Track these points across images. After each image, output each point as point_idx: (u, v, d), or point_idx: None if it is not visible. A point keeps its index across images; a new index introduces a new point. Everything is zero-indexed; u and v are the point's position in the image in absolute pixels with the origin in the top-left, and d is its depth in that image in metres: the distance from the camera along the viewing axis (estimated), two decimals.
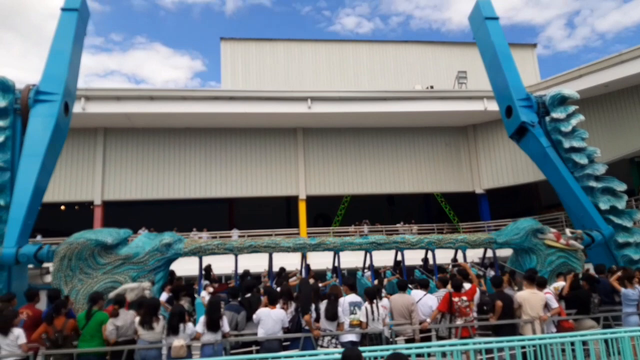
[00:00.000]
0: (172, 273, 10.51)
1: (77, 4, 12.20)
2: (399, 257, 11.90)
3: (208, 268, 12.05)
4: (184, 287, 10.02)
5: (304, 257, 11.50)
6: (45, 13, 72.01)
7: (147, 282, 8.90)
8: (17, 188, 10.02)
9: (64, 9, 12.13)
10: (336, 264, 11.41)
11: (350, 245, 10.93)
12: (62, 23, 12.01)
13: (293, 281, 10.44)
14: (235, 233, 22.07)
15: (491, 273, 11.91)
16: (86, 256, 9.20)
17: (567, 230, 11.55)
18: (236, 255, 10.62)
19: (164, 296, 9.32)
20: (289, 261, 14.37)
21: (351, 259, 14.01)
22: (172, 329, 6.74)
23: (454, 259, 12.99)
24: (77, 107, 18.68)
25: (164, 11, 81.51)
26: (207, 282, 10.93)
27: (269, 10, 79.80)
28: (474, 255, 13.66)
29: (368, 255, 11.64)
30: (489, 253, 12.50)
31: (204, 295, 9.35)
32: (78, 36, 12.16)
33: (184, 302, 9.15)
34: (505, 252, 13.20)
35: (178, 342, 6.59)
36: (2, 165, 11.05)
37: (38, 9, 71.00)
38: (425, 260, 13.37)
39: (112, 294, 8.09)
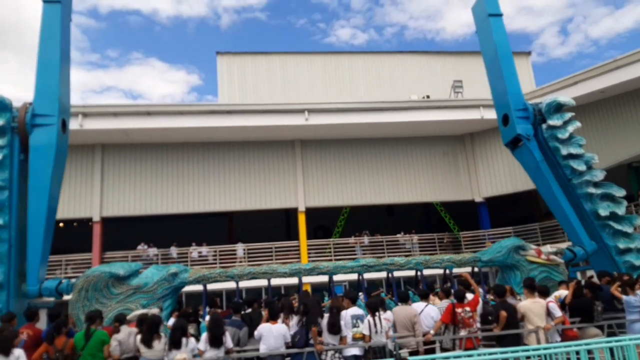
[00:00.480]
0: (180, 303, 11.12)
1: None
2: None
3: (213, 300, 12.50)
4: (191, 314, 10.59)
5: (300, 281, 11.79)
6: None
7: (155, 309, 9.32)
8: (30, 223, 10.50)
9: (46, 1, 11.29)
10: (332, 285, 11.97)
11: (343, 268, 11.44)
12: (46, 20, 11.28)
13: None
14: (240, 247, 21.98)
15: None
16: (101, 287, 10.05)
17: (548, 246, 11.77)
18: (237, 282, 11.24)
19: (171, 321, 9.70)
20: (288, 281, 14.22)
21: (348, 277, 13.97)
22: (174, 344, 6.68)
23: (445, 279, 12.87)
24: (75, 124, 18.70)
25: (159, 26, 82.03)
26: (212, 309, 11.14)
27: (264, 24, 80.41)
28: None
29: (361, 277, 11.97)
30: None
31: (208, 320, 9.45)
32: (64, 33, 11.51)
33: (191, 328, 9.29)
34: None
35: (180, 355, 6.53)
36: (1, 184, 11.03)
37: (33, 26, 71.26)
38: (417, 280, 13.33)
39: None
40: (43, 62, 11.17)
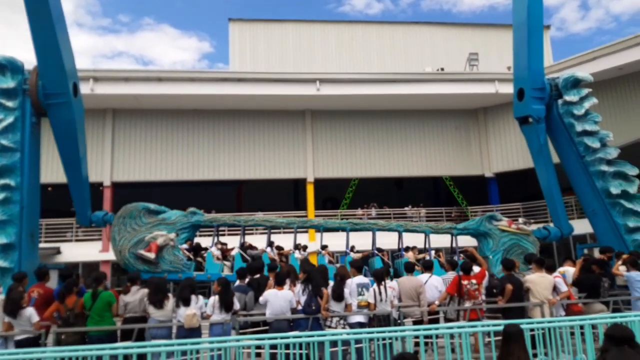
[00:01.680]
0: (199, 244, 13.49)
1: None
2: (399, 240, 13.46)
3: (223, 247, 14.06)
4: (201, 247, 13.29)
5: (295, 233, 13.43)
6: None
7: (173, 234, 12.16)
8: (72, 184, 12.67)
9: None
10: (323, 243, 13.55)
11: (332, 224, 13.37)
12: None
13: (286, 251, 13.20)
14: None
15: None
16: (135, 216, 12.42)
17: (520, 219, 12.29)
18: (243, 228, 13.35)
19: (184, 246, 12.63)
20: (287, 242, 14.56)
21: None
22: (184, 301, 6.82)
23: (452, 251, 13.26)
24: (86, 89, 18.68)
25: None
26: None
27: None
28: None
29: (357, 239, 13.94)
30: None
31: (214, 250, 12.65)
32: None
33: (200, 259, 12.63)
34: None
35: (190, 311, 6.66)
36: (13, 146, 11.13)
37: None
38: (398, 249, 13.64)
39: (148, 237, 11.93)
40: (39, 39, 10.61)
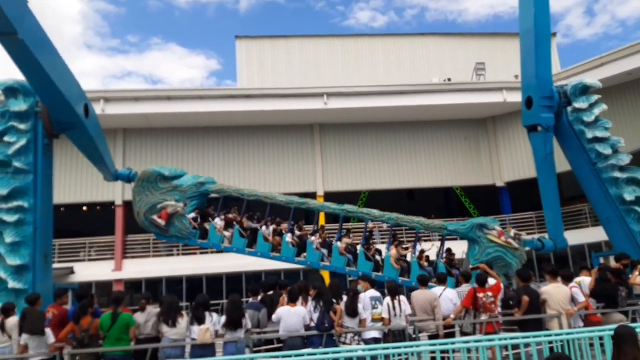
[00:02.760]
0: (207, 212, 14.29)
1: None
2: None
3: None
4: (210, 214, 14.04)
5: (293, 211, 13.72)
6: (61, 15, 73.10)
7: (181, 203, 12.94)
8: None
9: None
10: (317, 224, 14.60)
11: (327, 208, 13.54)
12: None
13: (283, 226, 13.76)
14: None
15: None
16: (152, 180, 13.18)
17: (512, 231, 12.06)
18: (245, 201, 13.94)
19: (191, 215, 13.32)
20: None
21: None
22: (198, 319, 6.81)
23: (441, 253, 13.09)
24: (97, 109, 18.78)
25: (178, 11, 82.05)
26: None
27: (283, 7, 79.78)
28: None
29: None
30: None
31: (217, 221, 13.39)
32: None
33: (206, 224, 13.44)
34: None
35: (203, 326, 6.65)
36: (25, 168, 11.24)
37: (54, 12, 72.07)
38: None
39: (160, 205, 12.79)
40: (32, 80, 10.06)
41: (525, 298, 7.47)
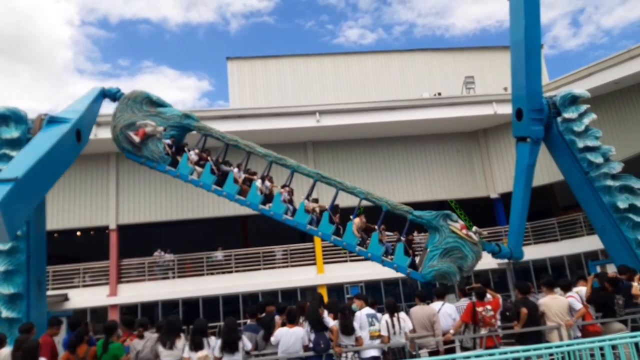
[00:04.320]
0: (183, 146, 13.75)
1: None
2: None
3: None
4: (184, 147, 13.66)
5: (269, 164, 13.92)
6: (52, 41, 73.42)
7: (161, 127, 12.87)
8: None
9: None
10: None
11: (303, 169, 13.57)
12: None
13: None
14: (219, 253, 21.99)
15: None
16: (138, 101, 13.18)
17: (474, 228, 12.21)
18: (226, 145, 13.74)
19: (168, 141, 13.18)
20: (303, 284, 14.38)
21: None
22: (196, 345, 6.71)
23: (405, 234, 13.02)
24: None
25: (169, 34, 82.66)
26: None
27: (273, 27, 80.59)
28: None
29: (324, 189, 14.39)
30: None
31: (191, 153, 13.25)
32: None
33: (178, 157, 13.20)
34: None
35: (202, 353, 6.56)
36: None
37: (44, 38, 72.40)
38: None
39: (140, 122, 12.76)
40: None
41: (524, 310, 7.43)
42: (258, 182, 12.86)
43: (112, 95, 13.56)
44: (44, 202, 12.17)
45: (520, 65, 12.69)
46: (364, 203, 13.16)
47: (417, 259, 11.94)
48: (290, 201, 13.07)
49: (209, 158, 13.58)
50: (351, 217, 12.88)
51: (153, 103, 13.40)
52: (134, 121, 12.87)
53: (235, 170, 13.33)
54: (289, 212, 12.88)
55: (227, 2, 79.60)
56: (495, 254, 12.87)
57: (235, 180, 13.00)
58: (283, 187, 13.47)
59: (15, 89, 74.21)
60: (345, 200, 14.57)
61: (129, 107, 13.17)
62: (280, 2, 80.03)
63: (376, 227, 12.57)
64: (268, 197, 13.01)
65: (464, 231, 11.56)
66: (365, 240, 12.32)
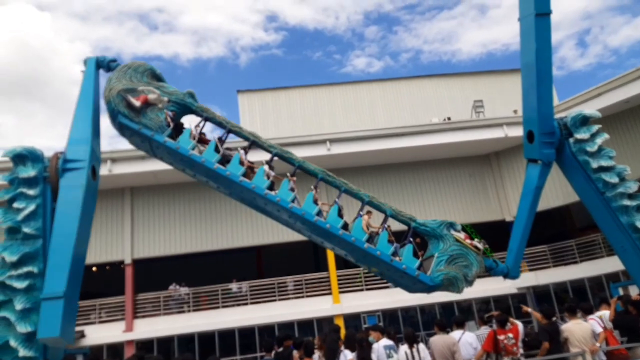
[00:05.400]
0: (180, 124, 12.71)
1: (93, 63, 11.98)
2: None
3: None
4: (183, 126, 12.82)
5: (273, 155, 12.37)
6: (67, 80, 75.25)
7: (165, 98, 11.67)
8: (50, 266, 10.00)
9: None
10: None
11: (308, 166, 12.11)
12: (86, 77, 11.80)
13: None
14: (234, 285, 21.94)
15: None
16: (140, 72, 12.03)
17: (476, 239, 11.97)
18: (227, 129, 12.15)
19: (170, 112, 11.91)
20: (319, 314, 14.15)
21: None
22: None
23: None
24: (104, 169, 19.15)
25: (180, 69, 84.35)
26: None
27: (281, 59, 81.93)
28: None
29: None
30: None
31: (193, 129, 11.88)
32: (97, 88, 12.07)
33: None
34: None
35: None
36: (35, 233, 11.24)
37: (60, 78, 74.29)
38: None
39: (142, 87, 11.44)
40: (78, 115, 11.37)
41: (545, 345, 7.31)
42: (265, 167, 12.07)
43: (106, 64, 12.43)
44: None
45: (531, 88, 12.62)
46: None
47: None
48: (292, 189, 12.37)
49: (215, 140, 12.33)
50: (360, 212, 12.63)
51: (155, 77, 12.44)
52: (135, 88, 11.79)
53: (242, 152, 12.28)
54: (297, 201, 12.06)
55: (236, 36, 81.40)
56: (490, 270, 12.71)
57: (242, 162, 11.74)
58: (292, 175, 12.76)
59: (31, 128, 75.89)
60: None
61: (128, 75, 12.17)
62: (288, 34, 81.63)
63: (381, 227, 12.25)
64: (272, 187, 12.09)
65: (468, 241, 11.57)
66: (373, 237, 12.08)
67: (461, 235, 12.01)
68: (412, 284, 11.33)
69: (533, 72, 12.47)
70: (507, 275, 12.56)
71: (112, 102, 11.32)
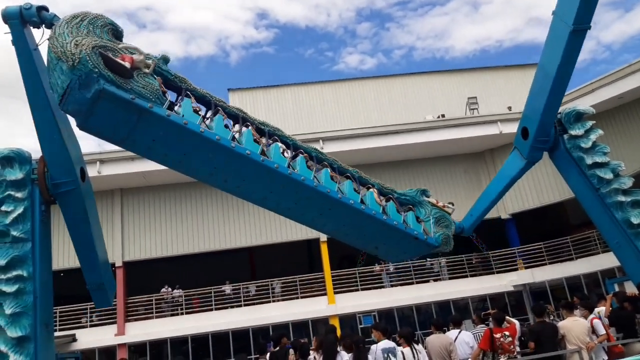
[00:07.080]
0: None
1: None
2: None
3: None
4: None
5: (267, 133, 11.36)
6: None
7: (151, 61, 8.50)
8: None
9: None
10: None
11: (301, 146, 10.03)
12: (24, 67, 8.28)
13: None
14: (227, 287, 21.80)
15: None
16: (99, 26, 8.91)
17: (441, 203, 12.24)
18: (214, 104, 9.42)
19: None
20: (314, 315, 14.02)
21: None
22: None
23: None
24: (93, 171, 18.92)
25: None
26: None
27: (273, 57, 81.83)
28: None
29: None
30: None
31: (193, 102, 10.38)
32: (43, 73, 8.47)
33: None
34: None
35: None
36: (23, 237, 11.02)
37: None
38: None
39: (124, 45, 8.44)
40: (40, 125, 9.15)
41: (531, 345, 7.30)
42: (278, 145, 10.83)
43: (37, 16, 8.24)
44: (49, 242, 12.08)
45: (542, 92, 12.36)
46: None
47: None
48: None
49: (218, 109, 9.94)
50: (369, 185, 12.55)
51: (117, 36, 9.34)
52: (112, 46, 8.52)
53: (252, 128, 9.95)
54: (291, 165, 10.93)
55: (226, 34, 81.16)
56: (460, 233, 13.15)
57: (256, 141, 9.38)
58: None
59: (19, 129, 75.26)
60: None
61: (85, 29, 8.87)
62: (279, 32, 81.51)
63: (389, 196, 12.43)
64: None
65: (440, 204, 12.07)
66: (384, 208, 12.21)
67: (433, 200, 12.66)
68: (420, 248, 11.28)
69: (549, 81, 12.16)
70: (462, 232, 12.95)
71: (84, 62, 7.45)
